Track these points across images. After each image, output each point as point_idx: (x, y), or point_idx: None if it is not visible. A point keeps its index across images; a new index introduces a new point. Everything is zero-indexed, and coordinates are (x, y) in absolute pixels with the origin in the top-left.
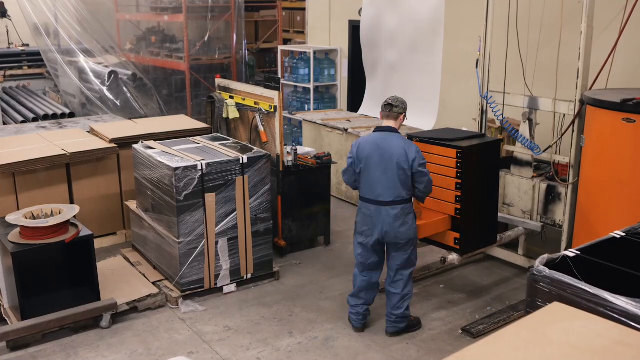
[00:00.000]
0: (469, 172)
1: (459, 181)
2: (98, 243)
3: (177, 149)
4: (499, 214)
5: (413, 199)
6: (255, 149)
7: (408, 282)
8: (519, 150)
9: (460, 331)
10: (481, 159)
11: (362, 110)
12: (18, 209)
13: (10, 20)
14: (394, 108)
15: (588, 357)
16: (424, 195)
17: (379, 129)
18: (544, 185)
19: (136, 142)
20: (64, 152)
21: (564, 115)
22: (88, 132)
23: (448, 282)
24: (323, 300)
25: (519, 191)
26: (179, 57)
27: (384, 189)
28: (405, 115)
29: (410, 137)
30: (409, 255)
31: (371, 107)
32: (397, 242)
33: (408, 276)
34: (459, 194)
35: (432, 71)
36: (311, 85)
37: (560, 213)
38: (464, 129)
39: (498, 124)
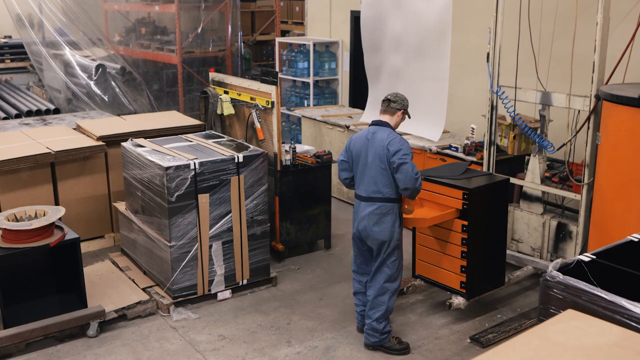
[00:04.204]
0: (476, 214)
1: (465, 222)
2: (85, 247)
3: (169, 147)
4: (508, 251)
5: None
6: (252, 147)
7: (383, 293)
8: (528, 185)
9: (468, 340)
10: (489, 200)
11: (364, 118)
12: (0, 211)
13: None
14: (392, 103)
15: None
16: (407, 189)
17: (372, 122)
18: (554, 223)
19: (125, 140)
20: (48, 151)
21: (579, 111)
22: (74, 129)
23: None
24: (323, 308)
25: (528, 227)
26: (171, 49)
27: (365, 183)
28: (405, 113)
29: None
30: (383, 260)
31: (374, 115)
32: (372, 242)
33: (383, 285)
34: (465, 236)
35: (439, 78)
36: (310, 80)
37: (572, 252)
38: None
39: (509, 120)
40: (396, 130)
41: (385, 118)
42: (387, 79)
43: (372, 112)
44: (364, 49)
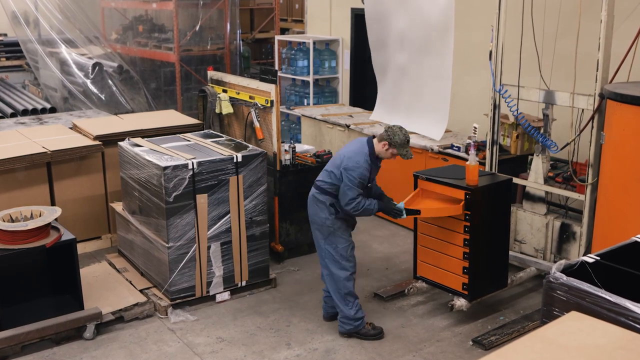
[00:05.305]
0: (478, 214)
1: (468, 224)
2: (81, 248)
3: (167, 146)
4: (510, 252)
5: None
6: (251, 146)
7: (336, 281)
8: (532, 185)
9: (471, 342)
10: (491, 200)
11: (373, 117)
12: None
13: None
14: (383, 132)
15: None
16: (345, 210)
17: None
18: (557, 223)
19: (122, 140)
20: (44, 150)
21: (583, 110)
22: (70, 128)
23: None
24: None
25: (531, 228)
26: (169, 47)
27: (321, 173)
28: (391, 146)
29: (417, 176)
30: (320, 245)
31: (383, 113)
32: (312, 224)
33: (331, 273)
34: (467, 237)
35: (442, 76)
36: (310, 78)
37: (575, 253)
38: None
39: (512, 119)
40: (382, 157)
41: (375, 140)
42: (393, 76)
43: (380, 109)
44: (370, 45)
